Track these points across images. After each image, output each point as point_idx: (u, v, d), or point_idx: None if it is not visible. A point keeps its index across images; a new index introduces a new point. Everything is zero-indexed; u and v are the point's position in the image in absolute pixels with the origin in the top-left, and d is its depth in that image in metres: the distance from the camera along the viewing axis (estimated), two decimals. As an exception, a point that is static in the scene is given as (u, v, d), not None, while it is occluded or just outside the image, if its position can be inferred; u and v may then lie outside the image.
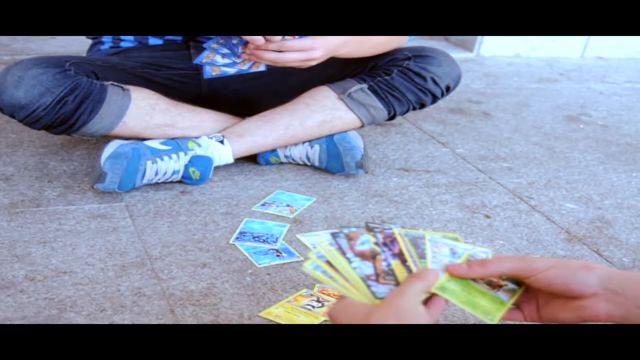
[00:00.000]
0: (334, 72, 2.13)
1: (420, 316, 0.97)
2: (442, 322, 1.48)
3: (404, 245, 1.11)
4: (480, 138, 2.61)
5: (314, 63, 1.95)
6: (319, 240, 1.12)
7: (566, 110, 3.01)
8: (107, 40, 2.19)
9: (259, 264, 1.67)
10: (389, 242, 1.12)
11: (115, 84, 1.96)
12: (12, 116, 1.88)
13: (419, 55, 2.14)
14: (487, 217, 2.00)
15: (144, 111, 1.98)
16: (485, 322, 1.07)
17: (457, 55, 3.55)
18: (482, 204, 2.07)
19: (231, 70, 1.96)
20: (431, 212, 2.00)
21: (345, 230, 1.12)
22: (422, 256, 1.11)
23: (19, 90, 1.83)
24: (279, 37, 1.86)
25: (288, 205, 1.96)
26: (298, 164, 2.21)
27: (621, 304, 1.04)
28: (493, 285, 1.11)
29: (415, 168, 2.29)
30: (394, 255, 1.10)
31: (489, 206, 2.06)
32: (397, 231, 1.13)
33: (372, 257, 1.09)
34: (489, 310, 1.08)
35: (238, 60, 1.94)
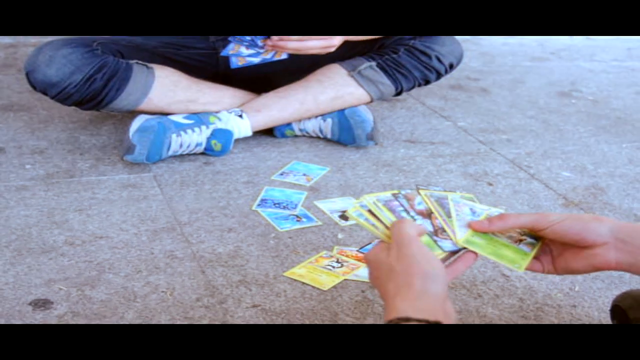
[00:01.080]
0: (344, 51, 2.13)
1: (433, 260, 0.98)
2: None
3: (432, 206, 1.13)
4: (480, 112, 2.61)
5: (333, 49, 1.96)
6: (372, 195, 1.14)
7: (558, 86, 3.01)
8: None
9: (281, 229, 1.68)
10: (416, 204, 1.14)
11: (140, 62, 1.96)
12: (45, 93, 1.89)
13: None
14: (490, 184, 2.01)
15: (168, 88, 1.98)
16: (513, 269, 1.09)
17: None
18: (484, 172, 2.08)
19: (256, 60, 1.96)
20: (438, 180, 2.01)
21: (403, 192, 1.15)
22: (448, 215, 1.13)
23: (50, 68, 1.84)
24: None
25: (304, 175, 1.97)
26: (312, 137, 2.22)
27: (629, 252, 1.06)
28: (514, 239, 1.13)
29: (420, 140, 2.30)
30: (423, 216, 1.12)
31: (491, 174, 2.07)
32: (423, 193, 1.15)
33: (428, 215, 1.12)
34: (515, 259, 1.10)
35: (261, 50, 1.94)
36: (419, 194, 1.15)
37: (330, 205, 1.81)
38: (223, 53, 2.02)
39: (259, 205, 1.78)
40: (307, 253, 1.58)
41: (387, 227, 1.08)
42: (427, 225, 1.10)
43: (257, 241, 1.62)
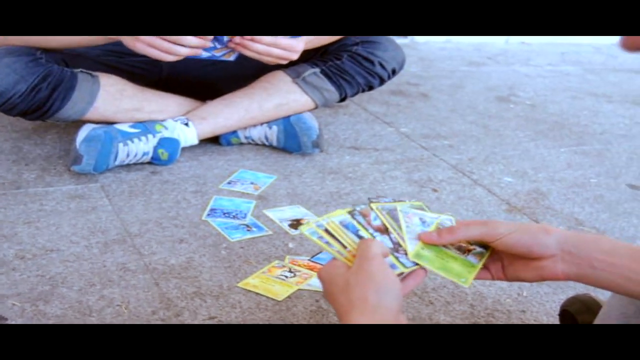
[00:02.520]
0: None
1: (389, 275, 1.00)
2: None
3: (385, 220, 1.15)
4: (421, 118, 2.66)
5: (286, 62, 1.96)
6: (327, 215, 1.15)
7: (496, 91, 3.09)
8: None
9: (232, 239, 1.69)
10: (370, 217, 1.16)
11: (85, 71, 1.95)
12: (-12, 103, 1.86)
13: (366, 41, 2.17)
14: (435, 190, 2.05)
15: (113, 96, 1.98)
16: (459, 284, 1.11)
17: (393, 40, 3.60)
18: (428, 178, 2.13)
19: (205, 54, 1.94)
20: (383, 187, 2.04)
21: (358, 209, 1.15)
22: (400, 228, 1.15)
23: None
24: (268, 39, 1.88)
25: (252, 183, 1.98)
26: (257, 144, 2.24)
27: (576, 264, 1.08)
28: (463, 250, 1.15)
29: (364, 146, 2.33)
30: (377, 230, 1.14)
31: (435, 180, 2.12)
32: (374, 206, 1.17)
33: (385, 230, 1.13)
34: (462, 273, 1.12)
35: (218, 46, 1.91)
36: (371, 208, 1.16)
37: (280, 214, 1.83)
38: None
39: (208, 215, 1.79)
40: (259, 263, 1.60)
41: (343, 247, 1.09)
42: (386, 241, 1.11)
43: (209, 252, 1.63)
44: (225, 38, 1.84)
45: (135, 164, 2.02)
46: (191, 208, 1.83)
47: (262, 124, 2.17)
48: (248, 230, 1.74)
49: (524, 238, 1.11)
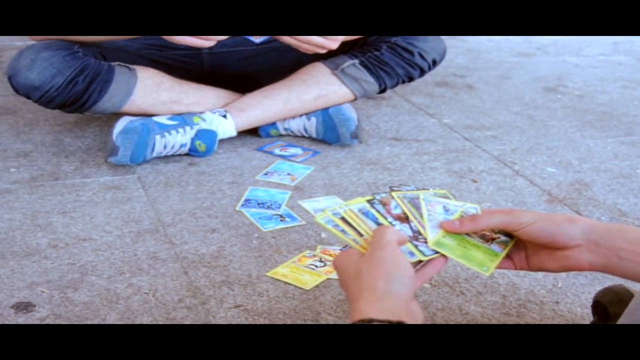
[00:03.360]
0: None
1: (401, 262, 0.98)
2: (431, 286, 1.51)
3: (406, 209, 1.13)
4: (465, 109, 2.62)
5: (325, 51, 1.94)
6: (345, 203, 1.13)
7: (544, 82, 3.03)
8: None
9: (264, 228, 1.68)
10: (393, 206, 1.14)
11: (122, 64, 1.97)
12: (28, 97, 1.89)
13: (407, 31, 2.15)
14: (474, 181, 2.02)
15: (151, 89, 1.99)
16: (481, 272, 1.09)
17: (441, 32, 3.57)
18: (469, 169, 2.09)
19: (256, 40, 1.92)
20: (422, 178, 2.02)
21: (378, 197, 1.14)
22: (422, 216, 1.12)
23: (32, 72, 1.84)
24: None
25: (289, 174, 1.98)
26: (296, 136, 2.23)
27: (602, 254, 1.05)
28: (486, 238, 1.13)
29: (405, 137, 2.30)
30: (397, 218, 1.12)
31: (476, 171, 2.08)
32: (395, 195, 1.15)
33: (406, 219, 1.11)
34: (484, 261, 1.09)
35: None
36: (392, 196, 1.14)
37: (314, 205, 1.81)
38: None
39: (242, 205, 1.79)
40: (290, 253, 1.59)
41: (359, 235, 1.08)
42: (406, 230, 1.09)
43: (240, 241, 1.62)
44: None
45: (173, 155, 2.02)
46: (226, 199, 1.82)
47: (301, 115, 2.16)
48: (281, 220, 1.73)
49: (548, 227, 1.08)
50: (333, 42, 1.91)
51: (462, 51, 3.39)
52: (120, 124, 1.93)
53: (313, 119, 2.15)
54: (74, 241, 1.59)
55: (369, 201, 1.13)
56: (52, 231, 1.62)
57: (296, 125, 2.18)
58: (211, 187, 1.89)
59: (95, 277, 1.46)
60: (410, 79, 2.19)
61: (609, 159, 2.24)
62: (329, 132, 2.14)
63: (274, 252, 1.59)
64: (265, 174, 1.97)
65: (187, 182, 1.90)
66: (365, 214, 1.11)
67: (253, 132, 2.18)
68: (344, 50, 2.16)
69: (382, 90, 2.20)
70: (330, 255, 1.58)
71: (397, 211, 1.12)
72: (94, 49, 1.96)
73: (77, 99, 1.88)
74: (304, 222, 1.72)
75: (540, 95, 2.84)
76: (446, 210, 1.15)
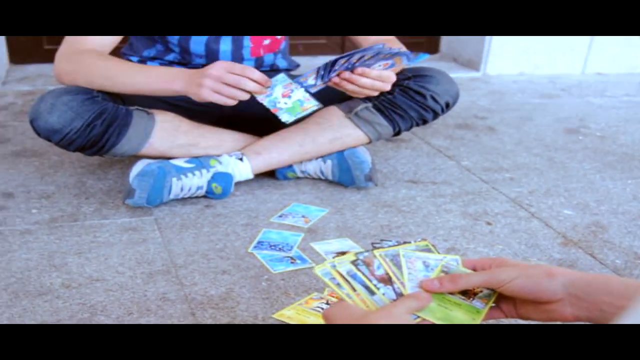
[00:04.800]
0: (340, 91, 2.16)
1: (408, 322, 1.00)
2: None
3: (388, 269, 1.13)
4: (485, 151, 2.62)
5: (377, 93, 1.96)
6: (338, 259, 1.15)
7: (566, 123, 3.02)
8: (133, 61, 2.23)
9: (274, 270, 1.70)
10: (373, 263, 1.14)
11: (140, 108, 2.01)
12: (49, 139, 1.94)
13: (418, 75, 2.16)
14: (489, 223, 2.02)
15: (168, 132, 2.03)
16: None
17: (464, 74, 3.59)
18: (484, 211, 2.09)
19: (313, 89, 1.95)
20: (436, 221, 2.02)
21: (361, 257, 1.14)
22: (402, 274, 1.12)
23: (52, 115, 1.89)
24: (375, 72, 1.88)
25: (303, 216, 1.99)
26: (313, 178, 2.25)
27: (584, 308, 1.03)
28: (469, 294, 1.12)
29: (423, 180, 2.31)
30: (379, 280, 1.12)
31: (491, 214, 2.08)
32: (377, 253, 1.15)
33: (389, 280, 1.12)
34: (466, 321, 1.08)
35: (318, 83, 1.89)
36: (375, 255, 1.15)
37: (326, 247, 1.82)
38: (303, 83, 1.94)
39: (255, 247, 1.81)
40: (298, 295, 1.60)
41: (353, 290, 1.09)
42: (389, 293, 1.09)
43: (249, 283, 1.64)
44: (326, 76, 1.85)
45: (190, 197, 2.05)
46: (239, 240, 1.84)
47: (317, 158, 2.18)
48: (292, 262, 1.74)
49: (528, 284, 1.07)
50: (388, 84, 1.92)
51: (484, 93, 3.40)
52: (138, 167, 1.97)
53: (329, 162, 2.17)
54: (86, 281, 1.61)
55: (353, 262, 1.13)
56: (67, 271, 1.65)
57: (313, 167, 2.20)
58: (225, 229, 1.91)
59: (104, 317, 1.48)
60: (425, 122, 2.20)
61: (627, 200, 2.23)
62: (344, 175, 2.16)
63: (281, 294, 1.60)
64: (280, 216, 1.99)
65: (202, 224, 1.92)
66: (353, 276, 1.12)
67: (270, 174, 2.20)
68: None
69: (397, 133, 2.21)
70: (338, 298, 1.58)
71: (381, 272, 1.12)
72: (113, 94, 2.01)
73: (95, 142, 1.92)
74: (314, 265, 1.73)
75: (561, 137, 2.83)
76: (426, 266, 1.15)
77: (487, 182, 2.32)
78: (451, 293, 1.12)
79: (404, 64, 1.91)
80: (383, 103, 2.15)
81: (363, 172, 2.13)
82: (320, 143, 2.13)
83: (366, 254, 1.15)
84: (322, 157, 2.18)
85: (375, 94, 1.95)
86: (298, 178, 2.24)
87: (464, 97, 3.11)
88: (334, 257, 1.15)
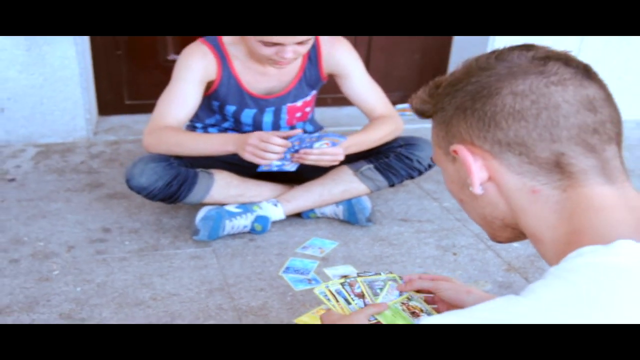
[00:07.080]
0: (350, 156, 2.72)
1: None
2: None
3: (364, 289, 1.67)
4: (463, 194, 3.15)
5: (337, 163, 2.53)
6: (331, 282, 1.64)
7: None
8: (198, 127, 2.81)
9: (297, 289, 2.27)
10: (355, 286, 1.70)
11: (204, 170, 2.59)
12: (139, 193, 2.53)
13: (408, 143, 2.72)
14: (454, 254, 2.57)
15: (223, 187, 2.61)
16: None
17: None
18: (452, 244, 2.64)
19: (275, 167, 2.52)
20: (417, 252, 2.58)
21: (348, 280, 1.65)
22: (375, 294, 1.62)
23: (142, 178, 2.48)
24: (317, 151, 2.43)
25: (320, 248, 2.57)
26: (329, 218, 2.82)
27: None
28: (416, 314, 1.58)
29: (411, 218, 2.87)
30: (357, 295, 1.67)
31: (457, 246, 2.63)
32: (360, 279, 1.68)
33: (362, 296, 1.62)
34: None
35: (286, 162, 2.48)
36: (357, 280, 1.68)
37: (334, 271, 2.40)
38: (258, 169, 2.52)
39: (283, 271, 2.39)
40: (312, 306, 2.15)
41: (337, 301, 1.63)
42: (360, 303, 1.59)
43: (279, 298, 2.22)
44: (288, 156, 2.42)
45: (238, 233, 2.64)
46: (273, 266, 2.42)
47: (331, 204, 2.76)
48: (309, 282, 2.32)
49: (454, 296, 1.53)
50: (338, 156, 2.47)
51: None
52: (202, 212, 2.57)
53: (340, 207, 2.75)
54: (167, 296, 2.21)
55: (341, 284, 1.66)
56: (153, 288, 2.25)
57: (328, 210, 2.78)
58: (263, 257, 2.49)
59: (180, 321, 2.06)
60: (411, 177, 2.76)
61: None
62: (351, 216, 2.74)
63: (301, 305, 2.18)
64: (303, 247, 2.57)
65: (247, 253, 2.51)
66: (339, 293, 1.66)
67: (297, 215, 2.78)
68: (364, 156, 2.75)
69: (391, 185, 2.78)
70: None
71: (358, 290, 1.64)
72: (184, 159, 2.61)
73: (171, 196, 2.52)
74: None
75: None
76: (380, 288, 1.64)
77: (460, 220, 2.86)
78: (404, 311, 1.58)
79: (339, 142, 2.46)
80: (381, 164, 2.70)
81: (365, 215, 2.71)
82: (334, 193, 2.71)
83: (351, 279, 1.66)
84: (335, 203, 2.75)
85: (330, 164, 2.52)
86: (318, 218, 2.81)
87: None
88: (335, 280, 1.65)
